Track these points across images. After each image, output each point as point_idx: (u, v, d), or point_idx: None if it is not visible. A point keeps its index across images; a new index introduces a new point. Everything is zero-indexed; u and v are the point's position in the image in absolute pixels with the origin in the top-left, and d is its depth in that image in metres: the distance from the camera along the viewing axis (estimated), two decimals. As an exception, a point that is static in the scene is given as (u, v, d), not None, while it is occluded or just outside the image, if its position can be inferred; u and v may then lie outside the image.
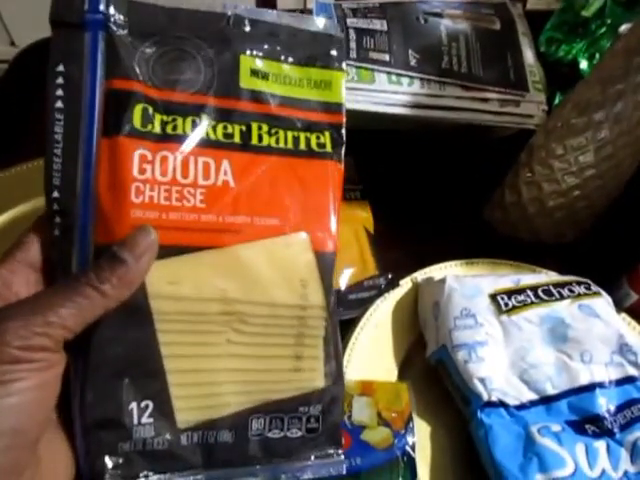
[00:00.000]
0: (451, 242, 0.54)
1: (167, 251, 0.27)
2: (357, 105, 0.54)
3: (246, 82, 0.30)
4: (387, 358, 0.44)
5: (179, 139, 0.28)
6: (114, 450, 0.26)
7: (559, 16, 0.65)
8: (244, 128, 0.30)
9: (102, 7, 0.27)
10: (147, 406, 0.26)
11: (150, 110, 0.28)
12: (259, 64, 0.31)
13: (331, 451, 0.31)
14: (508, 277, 0.44)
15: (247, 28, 0.30)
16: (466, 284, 0.43)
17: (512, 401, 0.38)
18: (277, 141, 0.30)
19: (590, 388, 0.38)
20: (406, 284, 0.48)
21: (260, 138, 0.30)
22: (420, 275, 0.48)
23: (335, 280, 0.32)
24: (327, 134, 0.32)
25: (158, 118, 0.28)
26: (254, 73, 0.30)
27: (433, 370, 0.43)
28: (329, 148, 0.32)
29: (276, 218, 0.29)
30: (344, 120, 0.33)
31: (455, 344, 0.40)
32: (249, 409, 0.29)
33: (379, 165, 0.58)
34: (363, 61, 0.55)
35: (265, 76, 0.31)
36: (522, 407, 0.38)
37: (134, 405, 0.26)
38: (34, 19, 0.72)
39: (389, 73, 0.55)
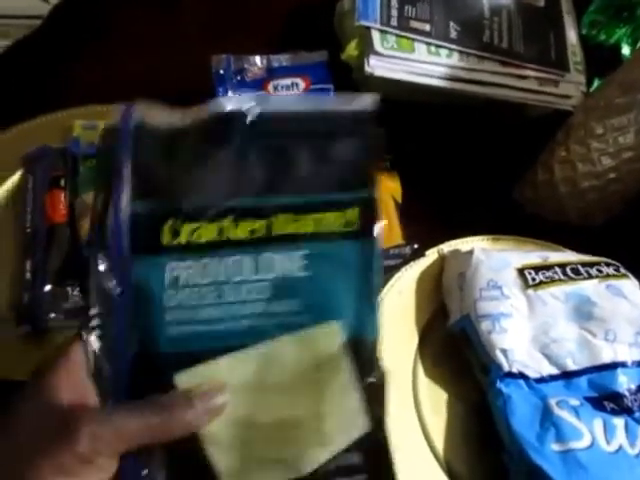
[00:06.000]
0: (477, 217, 0.54)
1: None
2: (394, 74, 0.54)
3: None
4: (408, 325, 0.44)
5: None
6: None
7: (604, -2, 0.63)
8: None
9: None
10: None
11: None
12: None
13: None
14: (536, 253, 0.44)
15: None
16: (493, 257, 0.43)
17: (532, 374, 0.38)
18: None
19: (612, 366, 0.38)
20: (432, 255, 0.48)
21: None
22: (446, 247, 0.48)
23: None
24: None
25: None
26: None
27: (452, 339, 0.43)
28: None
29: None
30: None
31: (480, 314, 0.40)
32: None
33: (411, 136, 0.58)
34: (404, 30, 0.54)
35: None
36: (541, 380, 0.38)
37: None
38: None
39: (429, 44, 0.55)
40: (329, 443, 0.29)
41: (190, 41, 0.67)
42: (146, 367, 0.28)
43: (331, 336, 0.29)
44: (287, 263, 0.29)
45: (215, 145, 0.29)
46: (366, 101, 0.31)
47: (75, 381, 0.27)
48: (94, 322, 0.28)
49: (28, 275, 0.45)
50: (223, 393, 0.27)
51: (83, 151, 0.51)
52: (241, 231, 0.29)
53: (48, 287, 0.44)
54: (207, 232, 0.28)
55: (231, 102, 0.30)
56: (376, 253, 0.30)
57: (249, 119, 0.30)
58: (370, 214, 0.30)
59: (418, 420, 0.39)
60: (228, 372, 0.28)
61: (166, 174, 0.29)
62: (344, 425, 0.30)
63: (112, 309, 0.28)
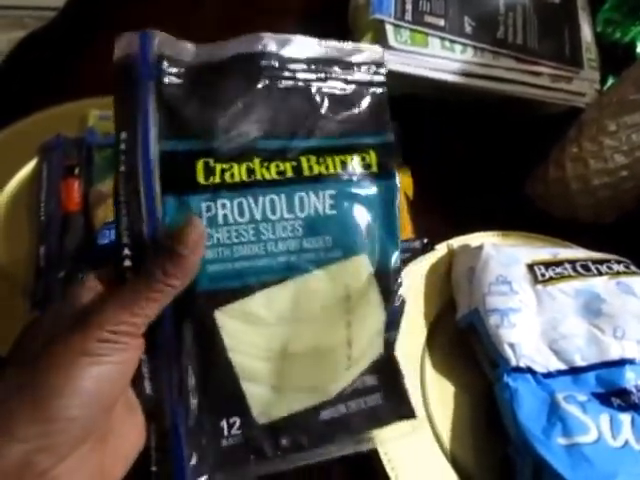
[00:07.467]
0: (488, 213, 0.53)
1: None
2: (407, 68, 0.54)
3: None
4: (417, 319, 0.44)
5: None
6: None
7: (620, -4, 0.63)
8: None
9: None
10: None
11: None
12: None
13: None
14: (546, 249, 0.44)
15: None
16: (503, 252, 0.43)
17: (540, 369, 0.38)
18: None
19: (620, 363, 0.38)
20: (441, 249, 0.48)
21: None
22: (456, 242, 0.48)
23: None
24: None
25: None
26: None
27: (460, 333, 0.43)
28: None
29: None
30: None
31: (488, 309, 0.40)
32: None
33: (423, 131, 0.58)
34: (418, 24, 0.54)
35: None
36: (549, 375, 0.38)
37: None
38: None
39: (443, 38, 0.55)
40: (354, 366, 0.32)
41: (203, 34, 0.67)
42: (186, 305, 0.28)
43: (359, 268, 0.32)
44: (317, 202, 0.31)
45: (241, 85, 0.30)
46: (378, 52, 0.34)
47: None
48: (127, 263, 0.27)
49: (42, 262, 0.46)
50: (198, 223, 0.27)
51: (98, 141, 0.52)
52: (271, 172, 0.30)
53: (62, 274, 0.45)
54: (239, 172, 0.29)
55: (253, 41, 0.30)
56: (395, 192, 0.33)
57: (274, 60, 0.30)
58: (387, 157, 0.33)
59: (425, 411, 0.40)
60: (265, 307, 0.29)
61: (193, 112, 0.29)
62: (367, 348, 0.32)
63: (145, 250, 0.27)
